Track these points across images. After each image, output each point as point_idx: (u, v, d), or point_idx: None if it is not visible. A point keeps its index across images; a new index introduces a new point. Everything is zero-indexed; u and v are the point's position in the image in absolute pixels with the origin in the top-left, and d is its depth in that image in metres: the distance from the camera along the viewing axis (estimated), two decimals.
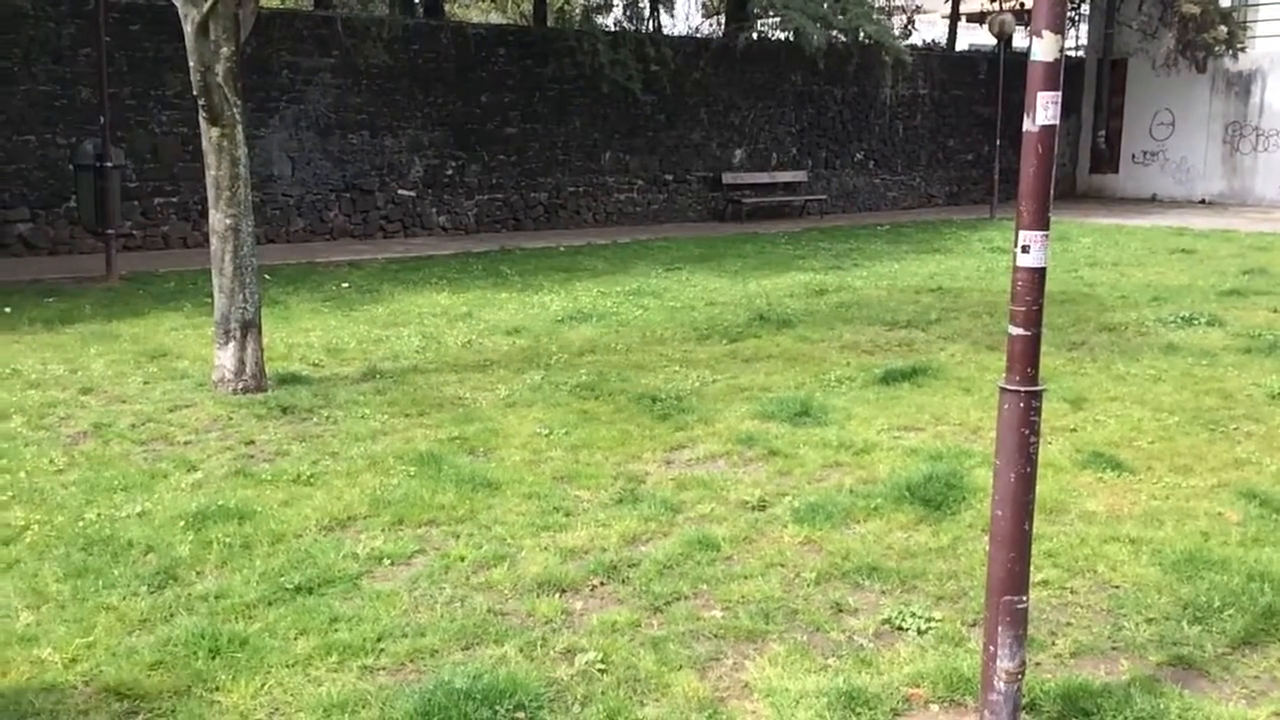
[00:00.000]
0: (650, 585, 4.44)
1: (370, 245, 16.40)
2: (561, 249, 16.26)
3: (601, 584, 4.48)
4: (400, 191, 17.58)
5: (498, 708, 3.41)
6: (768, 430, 6.66)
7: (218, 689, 3.58)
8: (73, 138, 13.86)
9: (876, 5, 22.39)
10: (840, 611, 4.25)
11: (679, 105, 20.53)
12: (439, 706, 3.40)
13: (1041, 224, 2.96)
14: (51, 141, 14.16)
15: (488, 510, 5.29)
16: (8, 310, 10.25)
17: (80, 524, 4.98)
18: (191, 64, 7.30)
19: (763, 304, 11.29)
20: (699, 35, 23.73)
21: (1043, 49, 2.90)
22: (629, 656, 3.84)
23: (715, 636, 4.01)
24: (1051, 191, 2.96)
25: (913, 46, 24.27)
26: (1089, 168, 28.67)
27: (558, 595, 4.37)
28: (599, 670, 3.73)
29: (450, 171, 18.10)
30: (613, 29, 20.22)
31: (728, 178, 21.53)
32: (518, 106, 18.62)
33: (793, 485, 5.72)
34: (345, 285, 12.36)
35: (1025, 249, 2.97)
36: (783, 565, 4.68)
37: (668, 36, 21.21)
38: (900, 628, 4.10)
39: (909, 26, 26.05)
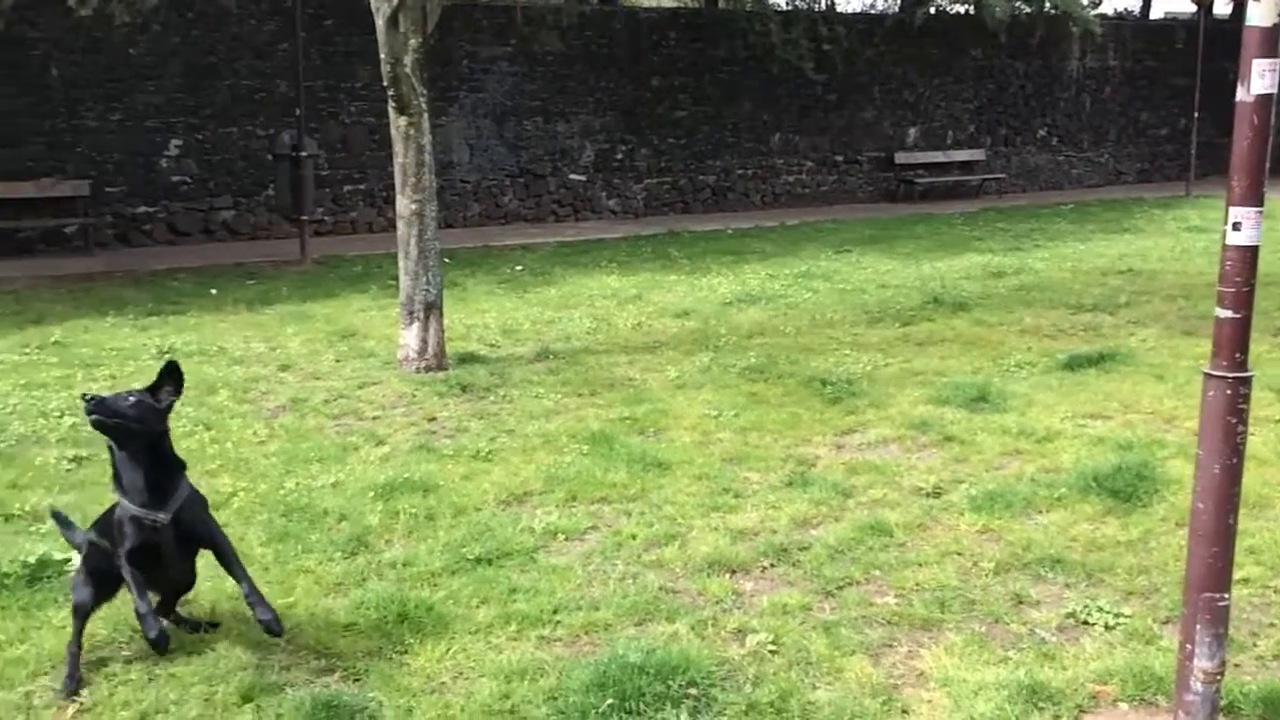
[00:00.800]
0: (821, 569, 4.41)
1: (542, 229, 16.78)
2: (729, 232, 16.23)
3: (772, 565, 4.48)
4: (571, 176, 17.89)
5: (670, 683, 3.46)
6: (942, 416, 6.50)
7: (406, 651, 3.76)
8: (271, 129, 14.69)
9: None
10: (1021, 603, 4.12)
11: (851, 84, 20.13)
12: (613, 679, 3.47)
13: (1255, 199, 2.77)
14: (252, 133, 15.04)
15: (658, 490, 5.35)
16: (214, 291, 10.99)
17: (281, 492, 5.31)
18: (382, 55, 7.62)
19: (937, 286, 10.99)
20: (874, 12, 23.17)
21: (1259, 13, 2.71)
22: (800, 639, 3.83)
23: (889, 623, 3.96)
24: (1266, 165, 2.77)
25: (1103, 16, 23.02)
26: None
27: (728, 575, 4.39)
28: (770, 651, 3.74)
29: (620, 155, 18.30)
30: (785, 8, 19.94)
31: (901, 157, 20.98)
32: (688, 89, 18.65)
33: (969, 472, 5.56)
34: (519, 268, 12.69)
35: (1236, 226, 2.80)
36: (959, 554, 4.57)
37: (841, 14, 20.78)
38: (1086, 622, 3.94)
39: None
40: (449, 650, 3.78)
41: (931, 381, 7.29)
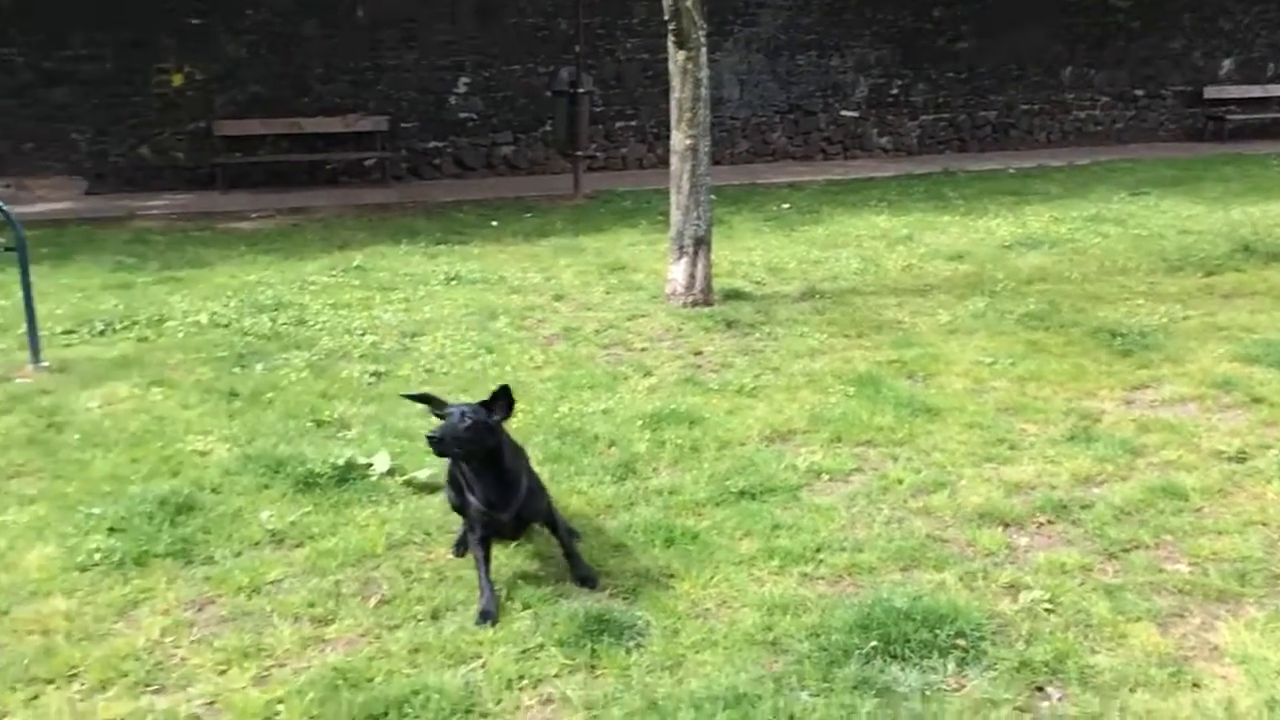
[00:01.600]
0: (1105, 529, 4.16)
1: (810, 166, 16.51)
2: (1010, 171, 15.36)
3: (1049, 522, 4.27)
4: (843, 112, 17.46)
5: (937, 631, 3.39)
6: (1250, 375, 5.93)
7: (673, 576, 3.87)
8: (551, 66, 15.18)
9: None
10: None
11: (1157, 11, 18.43)
12: (877, 621, 3.44)
13: None
14: (534, 71, 15.60)
15: (926, 436, 5.20)
16: (494, 223, 11.56)
17: (555, 415, 5.56)
18: None
19: (1248, 233, 9.98)
20: None
21: None
22: (1079, 600, 3.64)
23: (1180, 592, 3.69)
24: None
25: None
26: None
27: (1000, 528, 4.23)
28: (1045, 610, 3.58)
29: (895, 91, 17.66)
30: None
31: (1210, 91, 19.09)
32: (971, 19, 17.68)
33: (1279, 437, 5.06)
34: (786, 206, 12.57)
35: None
36: (1264, 524, 4.18)
37: None
38: None
39: None
40: (713, 578, 3.85)
41: (1238, 337, 6.66)
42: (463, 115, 15.45)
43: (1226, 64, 19.30)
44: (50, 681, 3.24)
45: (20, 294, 6.50)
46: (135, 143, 14.14)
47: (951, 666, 3.26)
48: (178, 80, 14.15)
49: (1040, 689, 3.17)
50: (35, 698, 3.16)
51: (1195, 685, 3.16)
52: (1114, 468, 4.76)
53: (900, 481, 4.67)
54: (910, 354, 6.52)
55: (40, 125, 13.74)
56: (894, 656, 3.30)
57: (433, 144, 15.39)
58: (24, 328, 6.52)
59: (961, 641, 3.37)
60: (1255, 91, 19.35)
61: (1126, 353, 6.42)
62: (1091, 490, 4.56)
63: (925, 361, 6.38)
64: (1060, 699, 3.12)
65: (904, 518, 4.34)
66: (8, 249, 6.59)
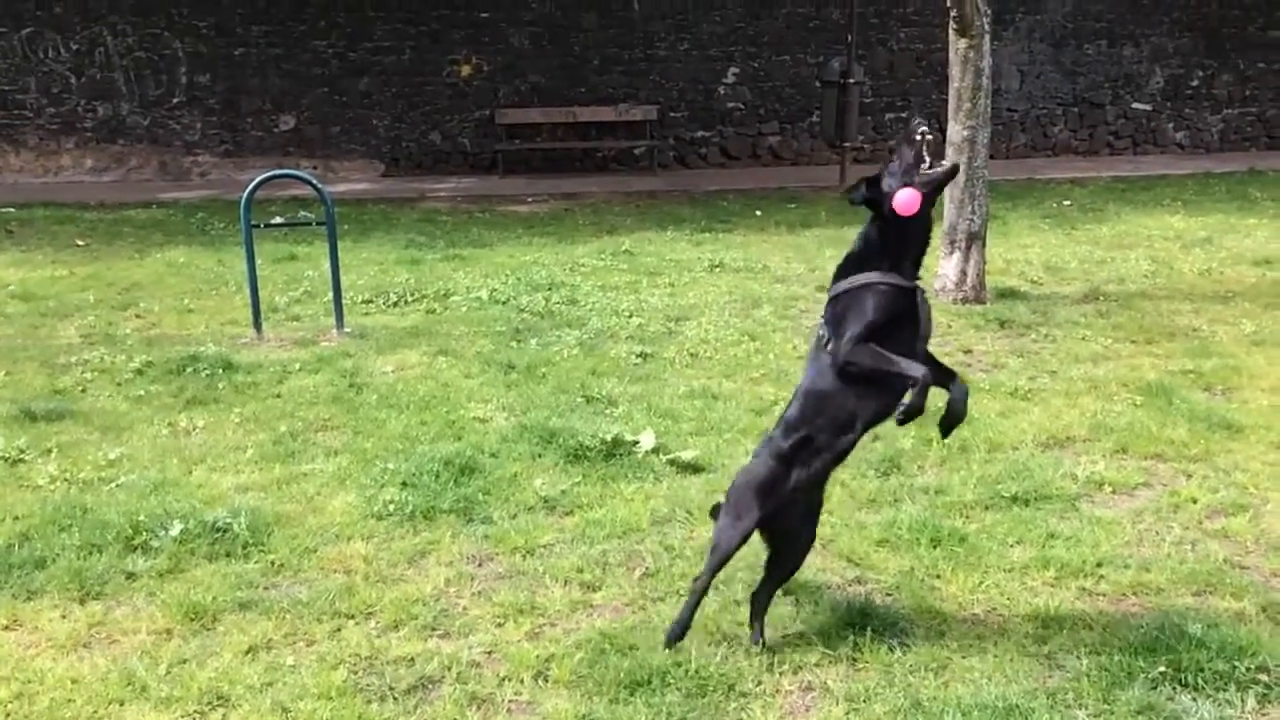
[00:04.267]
0: None
1: (1094, 162, 15.53)
2: None
3: None
4: (1134, 105, 16.31)
5: (1236, 664, 3.12)
6: None
7: (938, 577, 3.76)
8: (821, 56, 15.03)
9: None
10: None
11: None
12: (1166, 646, 3.20)
13: None
14: (803, 61, 15.50)
15: (1226, 454, 4.79)
16: (758, 213, 11.59)
17: None
18: None
19: None
20: None
21: None
22: None
23: None
24: None
25: None
26: None
27: None
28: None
29: (1195, 82, 16.32)
30: None
31: None
32: None
33: None
34: (1067, 203, 11.88)
35: None
36: None
37: None
38: None
39: None
40: (981, 583, 3.71)
41: None
42: (730, 105, 15.58)
43: None
44: (351, 617, 3.53)
45: (328, 265, 7.11)
46: (427, 129, 15.16)
47: (1251, 703, 3.00)
48: (466, 71, 15.05)
49: None
50: (338, 630, 3.46)
51: None
52: None
53: (1194, 500, 4.33)
54: (1208, 365, 6.02)
55: (345, 111, 14.97)
56: (1184, 685, 3.06)
57: (700, 133, 15.61)
58: (331, 295, 7.14)
59: (1264, 677, 3.08)
60: None
61: None
62: None
63: (1226, 374, 5.87)
64: None
65: (1198, 539, 4.02)
66: (319, 224, 7.23)
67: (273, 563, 3.90)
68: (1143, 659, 3.16)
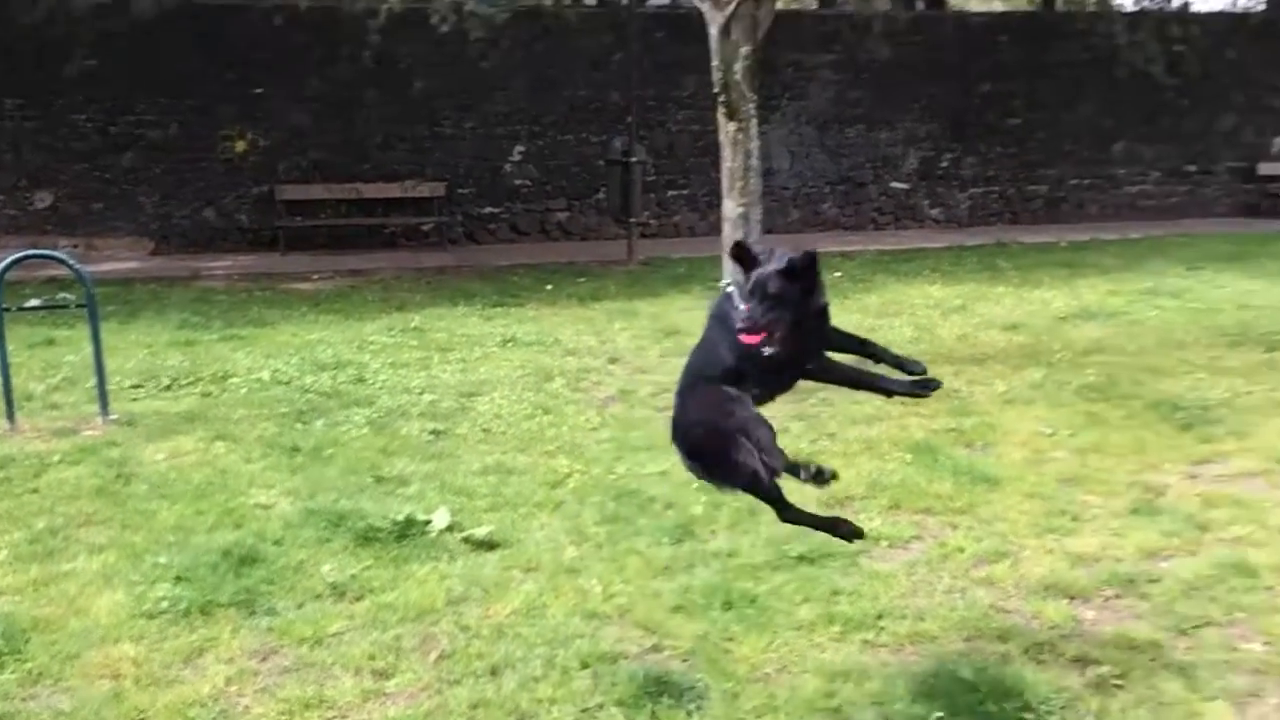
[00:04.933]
0: (1174, 605, 4.08)
1: (861, 236, 16.57)
2: (1063, 244, 15.30)
3: (1116, 596, 4.19)
4: (893, 184, 17.56)
5: (1004, 704, 3.33)
6: None
7: (731, 639, 3.85)
8: (604, 136, 15.45)
9: None
10: None
11: (1207, 88, 18.40)
12: (942, 691, 3.39)
13: None
14: (586, 140, 15.90)
15: (987, 505, 5.15)
16: (549, 287, 11.71)
17: (611, 476, 5.57)
18: (714, 63, 7.83)
19: None
20: (1236, 10, 21.08)
21: None
22: (1149, 676, 3.56)
23: (1256, 672, 3.60)
24: None
25: None
26: None
27: (1066, 601, 4.16)
28: (1115, 685, 3.50)
29: (945, 163, 17.75)
30: (1131, 9, 18.56)
31: (1264, 168, 18.94)
32: (1020, 95, 17.79)
33: None
34: (838, 274, 12.58)
35: None
36: None
37: (1196, 14, 19.06)
38: None
39: None
40: (772, 643, 3.82)
41: None
42: (518, 182, 15.76)
43: (1277, 141, 19.20)
44: None
45: (90, 349, 6.67)
46: (200, 205, 14.57)
47: None
48: (241, 146, 14.60)
49: None
50: None
51: None
52: (1180, 542, 4.67)
53: (961, 550, 4.63)
54: (968, 423, 6.47)
55: (109, 187, 14.20)
56: None
57: (489, 209, 15.69)
58: (94, 381, 6.69)
59: (1029, 715, 3.31)
60: None
61: (1188, 426, 6.33)
62: (1158, 564, 4.48)
63: (983, 430, 6.34)
64: None
65: (966, 587, 4.29)
66: (79, 305, 6.79)
67: (30, 671, 3.57)
68: (921, 705, 3.33)
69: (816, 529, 3.59)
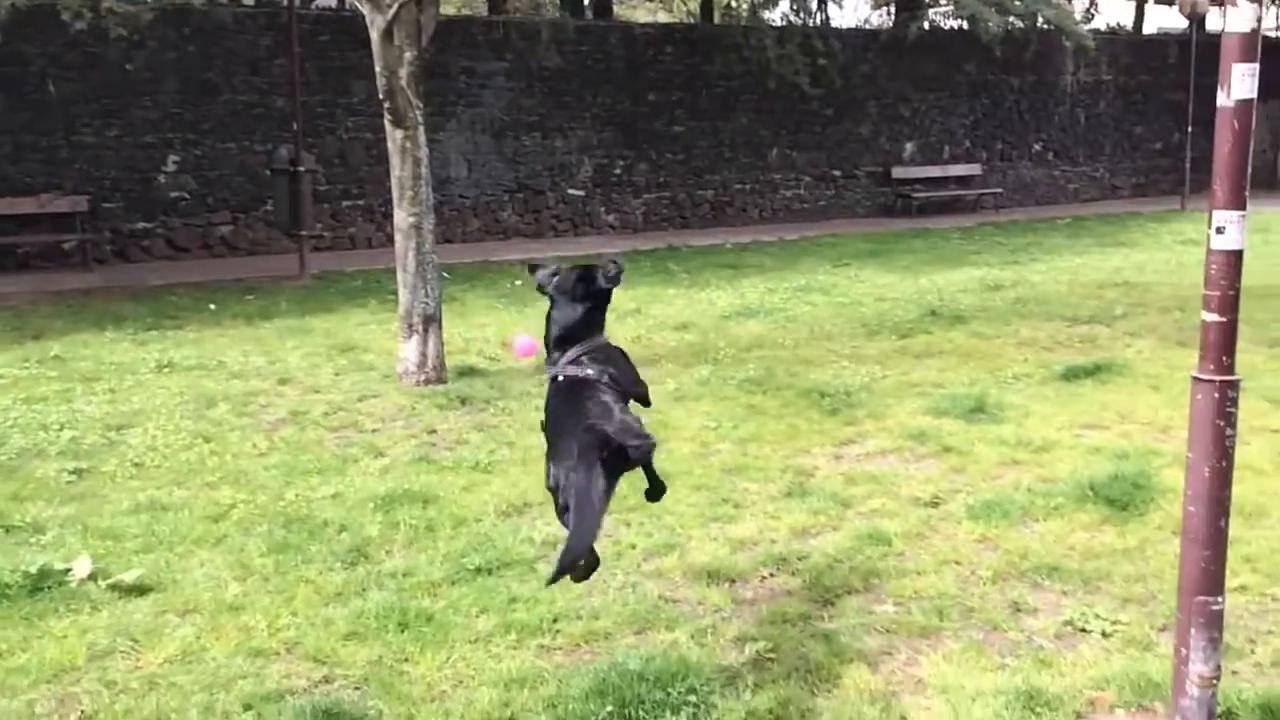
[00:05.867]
0: (820, 578, 4.43)
1: (541, 244, 16.83)
2: (728, 246, 16.28)
3: (771, 575, 4.50)
4: (570, 191, 17.97)
5: (670, 690, 3.47)
6: (940, 427, 6.52)
7: (406, 660, 3.77)
8: (269, 145, 14.75)
9: None
10: (1018, 611, 4.14)
11: (847, 99, 20.23)
12: (613, 686, 3.48)
13: (1237, 203, 2.81)
14: (249, 149, 15.09)
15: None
16: (212, 306, 11.01)
17: (280, 503, 5.32)
18: (377, 69, 7.67)
19: (934, 300, 11.03)
20: (868, 27, 23.32)
21: (1238, 19, 2.76)
22: (799, 647, 3.84)
23: (887, 631, 3.97)
24: (1248, 171, 2.81)
25: (1096, 30, 23.19)
26: None
27: (727, 585, 4.41)
28: (769, 659, 3.75)
29: (618, 171, 18.38)
30: (779, 24, 20.08)
31: (898, 172, 21.08)
32: (684, 104, 18.74)
33: (967, 482, 5.59)
34: (518, 282, 12.71)
35: (1220, 230, 2.83)
36: (957, 563, 4.59)
37: (836, 29, 20.92)
38: (1083, 629, 3.96)
39: (1091, 9, 24.90)
40: (449, 659, 3.79)
41: (929, 393, 7.32)
42: (174, 194, 14.70)
43: (909, 147, 21.41)
44: None
45: None
46: None
47: None
48: None
49: None
50: None
51: (902, 718, 3.40)
52: (826, 519, 5.09)
53: (633, 546, 4.79)
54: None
55: None
56: (629, 718, 3.36)
57: (141, 225, 14.54)
58: None
59: (693, 698, 3.47)
60: (935, 172, 21.55)
61: (834, 411, 6.91)
62: (808, 541, 4.85)
63: (655, 429, 6.51)
64: None
65: (637, 581, 4.45)
66: None
67: None
68: (593, 702, 3.41)
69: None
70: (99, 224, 14.12)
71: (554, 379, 3.66)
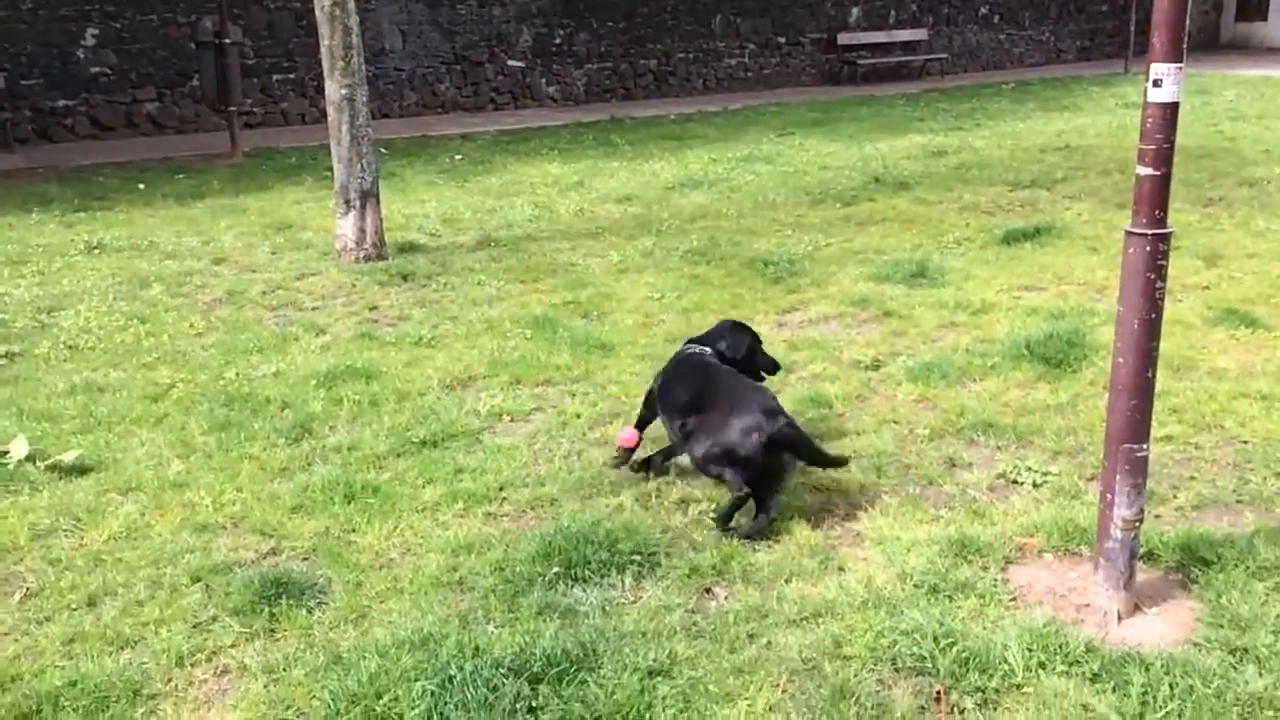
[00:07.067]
0: None
1: (481, 117, 16.44)
2: (672, 117, 16.02)
3: None
4: (510, 62, 17.47)
5: (615, 550, 3.54)
6: (882, 292, 6.58)
7: (354, 530, 3.80)
8: (192, 16, 14.10)
9: None
10: (954, 466, 4.25)
11: None
12: (559, 548, 3.55)
13: (1175, 56, 2.79)
14: (173, 20, 14.43)
15: (602, 370, 5.39)
16: (141, 186, 10.67)
17: (221, 382, 5.26)
18: None
19: (878, 167, 11.00)
20: None
21: None
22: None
23: (827, 490, 4.07)
24: (1187, 23, 2.79)
25: None
26: (1235, 15, 26.69)
27: None
28: (712, 520, 3.83)
29: (559, 40, 17.87)
30: None
31: (843, 38, 20.74)
32: None
33: (907, 345, 5.67)
34: (458, 157, 12.46)
35: (1157, 83, 2.82)
36: (896, 422, 4.68)
37: None
38: (1015, 481, 4.08)
39: None
40: (396, 528, 3.82)
41: (871, 259, 7.35)
42: (95, 70, 14.07)
43: (855, 12, 21.03)
44: None
45: None
46: None
47: (629, 581, 3.43)
48: None
49: (709, 590, 3.41)
50: None
51: (841, 569, 3.51)
52: (769, 384, 5.13)
53: (578, 416, 4.82)
54: (584, 294, 6.70)
55: None
56: (576, 579, 3.43)
57: (62, 102, 13.94)
58: None
59: (638, 557, 3.54)
60: (880, 38, 21.23)
61: (778, 280, 6.93)
62: None
63: (599, 301, 6.58)
64: (726, 597, 3.38)
65: (583, 449, 4.49)
66: None
67: None
68: (540, 565, 3.48)
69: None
70: (18, 102, 13.50)
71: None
